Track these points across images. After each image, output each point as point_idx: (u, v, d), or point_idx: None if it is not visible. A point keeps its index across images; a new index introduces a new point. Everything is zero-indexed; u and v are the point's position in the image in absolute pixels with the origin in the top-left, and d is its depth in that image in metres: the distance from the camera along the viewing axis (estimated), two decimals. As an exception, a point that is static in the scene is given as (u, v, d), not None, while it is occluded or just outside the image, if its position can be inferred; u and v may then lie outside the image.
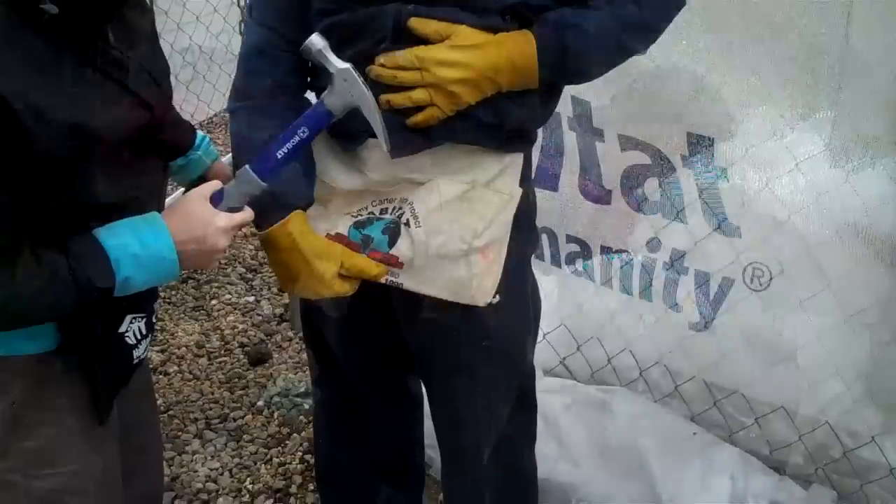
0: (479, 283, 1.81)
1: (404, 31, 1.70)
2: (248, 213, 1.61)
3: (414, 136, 1.76)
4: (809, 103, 2.36)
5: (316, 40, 1.64)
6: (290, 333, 3.74)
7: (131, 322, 1.63)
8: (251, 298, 4.02)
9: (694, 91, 2.50)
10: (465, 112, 1.74)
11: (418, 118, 1.72)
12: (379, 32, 1.72)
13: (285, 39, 1.83)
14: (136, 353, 1.66)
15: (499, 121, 1.79)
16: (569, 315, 2.97)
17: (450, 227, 1.80)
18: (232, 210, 1.58)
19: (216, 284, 4.12)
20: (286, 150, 1.61)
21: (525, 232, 2.01)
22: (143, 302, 1.64)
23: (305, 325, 2.26)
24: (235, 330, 3.78)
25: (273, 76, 1.83)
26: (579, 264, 2.97)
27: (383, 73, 1.70)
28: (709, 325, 2.68)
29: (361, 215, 1.84)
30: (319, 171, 1.88)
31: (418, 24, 1.68)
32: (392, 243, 1.79)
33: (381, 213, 1.84)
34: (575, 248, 2.96)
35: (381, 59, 1.70)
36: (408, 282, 1.80)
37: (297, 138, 1.61)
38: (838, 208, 2.33)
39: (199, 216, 1.53)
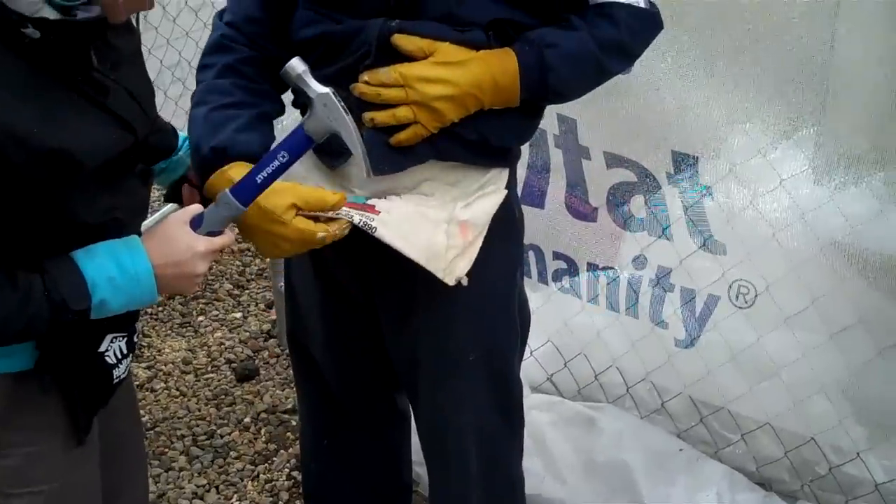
0: (454, 258, 1.79)
1: (388, 48, 1.71)
2: (227, 238, 1.60)
3: (396, 154, 1.76)
4: (793, 121, 2.38)
5: (296, 64, 1.63)
6: (278, 350, 3.73)
7: (111, 341, 1.61)
8: (238, 314, 4.01)
9: (678, 109, 2.52)
10: (447, 130, 1.75)
11: (402, 136, 1.73)
12: (363, 47, 1.73)
13: (245, 36, 1.85)
14: (116, 373, 1.64)
15: (482, 138, 1.80)
16: (556, 331, 2.97)
17: (429, 201, 1.81)
18: (212, 234, 1.57)
19: (203, 301, 4.11)
20: (266, 175, 1.59)
21: (513, 245, 2.03)
22: (124, 321, 1.62)
23: (291, 343, 2.25)
24: (223, 346, 3.77)
25: (224, 62, 1.83)
26: (566, 281, 2.98)
27: (367, 90, 1.70)
28: (695, 341, 2.69)
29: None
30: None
31: (402, 40, 1.69)
32: (370, 199, 1.79)
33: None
34: (562, 264, 2.97)
35: (365, 76, 1.71)
36: (382, 229, 1.72)
37: (276, 163, 1.59)
38: (822, 226, 2.34)
39: (178, 240, 1.52)
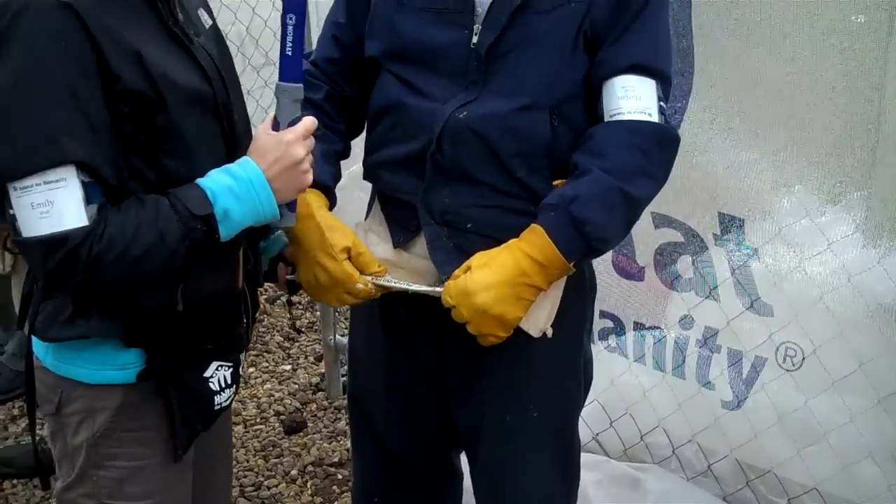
0: (534, 311, 1.81)
1: (452, 136, 1.78)
2: (308, 120, 1.68)
3: (464, 259, 1.81)
4: (841, 185, 2.37)
5: None
6: (326, 403, 3.76)
7: (217, 369, 1.72)
8: (288, 367, 4.06)
9: (726, 171, 2.53)
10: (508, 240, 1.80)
11: (484, 344, 1.79)
12: (429, 132, 1.80)
13: (325, 75, 1.98)
14: (217, 399, 1.74)
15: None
16: (602, 390, 2.97)
17: None
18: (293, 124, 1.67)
19: (254, 352, 4.16)
20: (290, 44, 1.67)
21: (584, 303, 2.04)
22: (230, 351, 1.75)
23: (351, 402, 2.28)
24: (272, 398, 3.81)
25: (310, 99, 1.92)
26: (612, 340, 2.98)
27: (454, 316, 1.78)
28: (742, 403, 2.67)
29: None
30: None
31: (446, 295, 1.77)
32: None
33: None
34: (608, 323, 2.98)
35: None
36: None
37: (289, 27, 1.67)
38: (870, 290, 2.33)
39: (268, 142, 1.63)
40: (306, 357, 4.13)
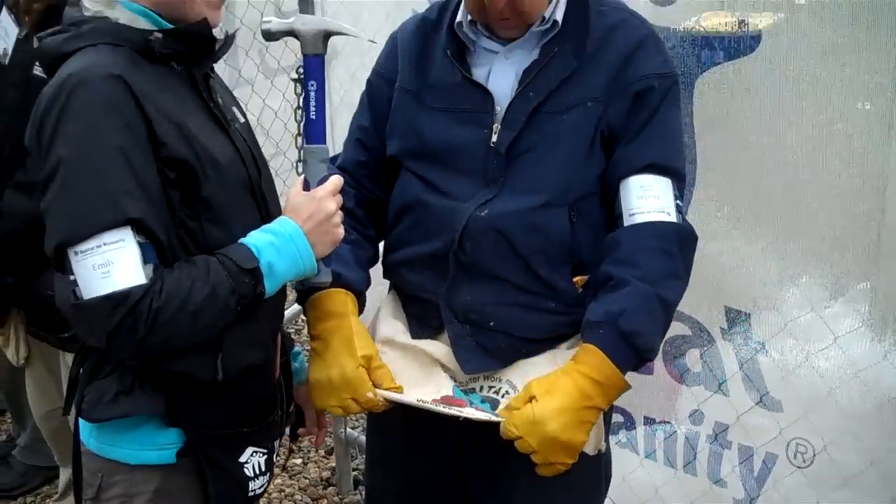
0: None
1: (471, 235, 1.81)
2: (335, 178, 1.76)
3: (487, 358, 1.85)
4: (846, 276, 2.36)
5: (268, 21, 1.77)
6: (337, 498, 3.72)
7: (252, 455, 1.77)
8: (298, 461, 4.03)
9: (731, 262, 2.53)
10: (531, 338, 1.84)
11: (546, 472, 1.78)
12: (450, 232, 1.83)
13: (355, 178, 2.03)
14: (251, 486, 1.78)
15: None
16: (615, 486, 2.91)
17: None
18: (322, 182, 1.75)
19: (266, 446, 4.14)
20: (312, 108, 1.76)
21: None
22: (265, 437, 1.80)
23: (369, 500, 2.29)
24: (283, 493, 3.77)
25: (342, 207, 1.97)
26: (623, 434, 2.95)
27: (518, 447, 1.77)
28: (754, 501, 2.62)
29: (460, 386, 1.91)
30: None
31: (510, 426, 1.76)
32: (494, 409, 1.83)
33: (477, 390, 1.89)
34: (619, 417, 2.95)
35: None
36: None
37: (311, 93, 1.76)
38: (878, 384, 2.30)
39: (301, 200, 1.72)
40: (316, 451, 4.11)
